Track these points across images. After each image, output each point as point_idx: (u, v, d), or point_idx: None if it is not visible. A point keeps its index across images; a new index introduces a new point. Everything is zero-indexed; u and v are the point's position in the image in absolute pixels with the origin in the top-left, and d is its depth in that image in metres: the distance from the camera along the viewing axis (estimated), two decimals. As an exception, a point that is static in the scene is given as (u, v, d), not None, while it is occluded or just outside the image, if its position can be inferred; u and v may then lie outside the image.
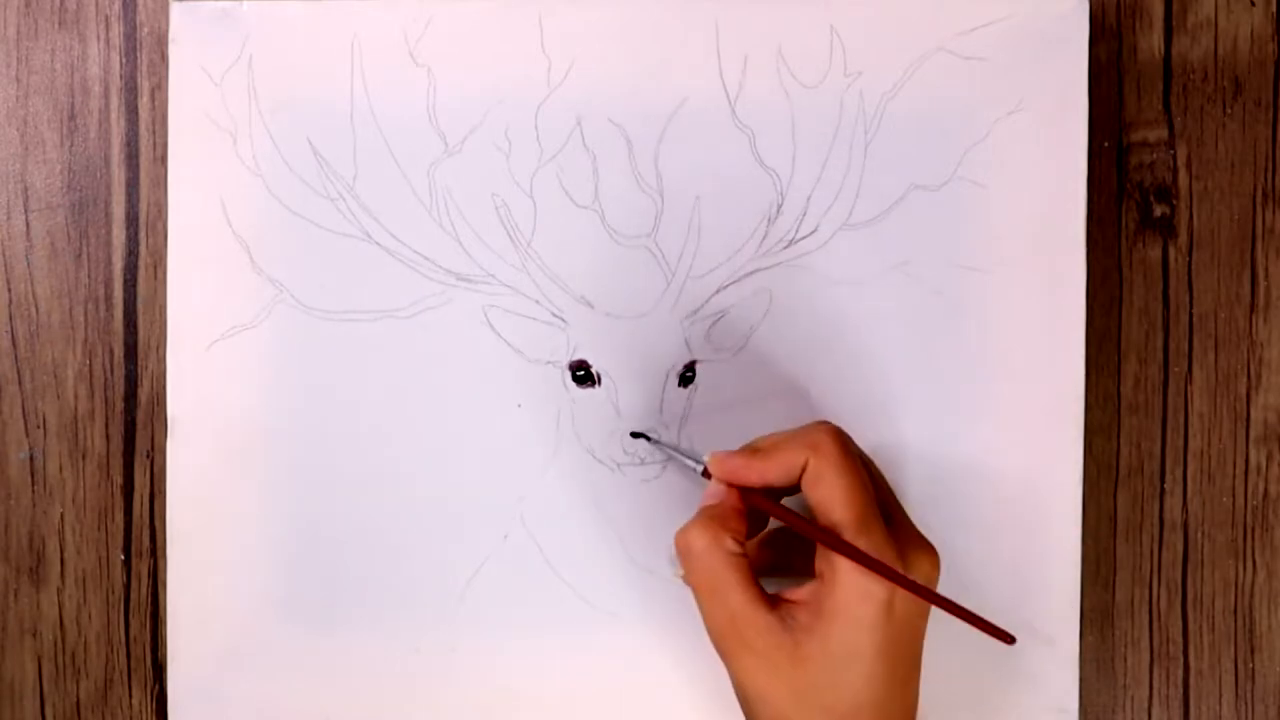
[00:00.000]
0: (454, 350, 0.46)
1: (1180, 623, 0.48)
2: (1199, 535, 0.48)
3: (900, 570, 0.37)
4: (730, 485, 0.40)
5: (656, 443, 0.45)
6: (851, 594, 0.37)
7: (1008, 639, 0.37)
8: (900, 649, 0.38)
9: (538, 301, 0.46)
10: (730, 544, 0.39)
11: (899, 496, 0.45)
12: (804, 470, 0.39)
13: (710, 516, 0.39)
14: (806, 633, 0.38)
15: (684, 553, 0.39)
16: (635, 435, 0.45)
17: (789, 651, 0.38)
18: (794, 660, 0.38)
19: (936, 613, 0.39)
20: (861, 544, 0.37)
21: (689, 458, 0.43)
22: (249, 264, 0.46)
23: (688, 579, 0.40)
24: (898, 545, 0.38)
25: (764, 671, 0.38)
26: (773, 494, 0.41)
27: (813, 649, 0.37)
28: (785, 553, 0.43)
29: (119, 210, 0.48)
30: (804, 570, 0.40)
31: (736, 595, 0.38)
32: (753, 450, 0.40)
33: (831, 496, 0.38)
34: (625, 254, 0.46)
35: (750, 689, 0.39)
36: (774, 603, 0.39)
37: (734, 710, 0.40)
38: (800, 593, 0.39)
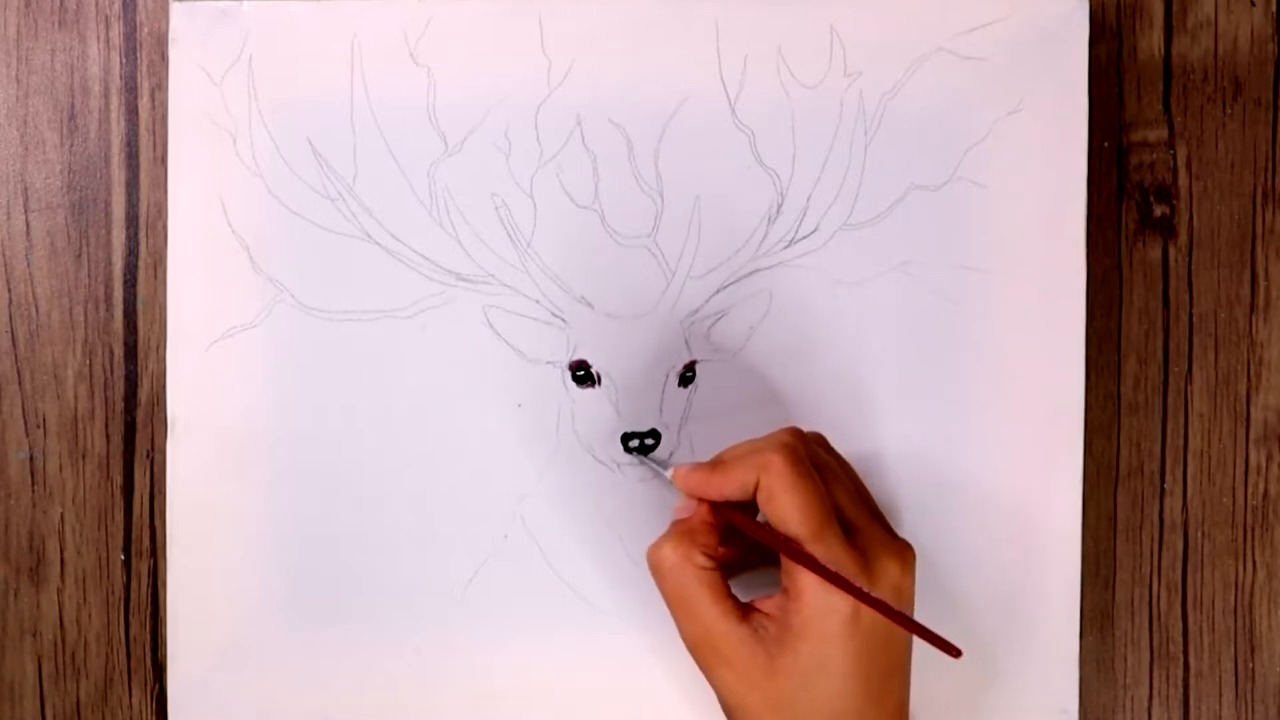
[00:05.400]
0: (454, 350, 0.46)
1: (1180, 623, 0.48)
2: (1199, 535, 0.48)
3: (865, 579, 0.37)
4: (698, 499, 0.40)
5: (632, 451, 0.45)
6: (815, 609, 0.37)
7: (954, 652, 0.37)
8: (873, 658, 0.37)
9: (538, 301, 0.46)
10: (700, 559, 0.38)
11: (898, 497, 0.45)
12: (757, 488, 0.38)
13: (680, 531, 0.39)
14: (778, 645, 0.38)
15: (655, 568, 0.39)
16: (628, 438, 0.45)
17: (763, 664, 0.38)
18: (768, 673, 0.38)
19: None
20: (818, 558, 0.37)
21: (663, 468, 0.43)
22: (249, 264, 0.46)
23: (660, 593, 0.39)
24: (863, 552, 0.38)
25: (740, 684, 0.38)
26: (745, 504, 0.40)
27: (785, 662, 0.37)
28: (762, 553, 0.43)
29: (119, 210, 0.48)
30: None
31: (708, 610, 0.38)
32: (713, 465, 0.40)
33: (784, 514, 0.37)
34: (625, 254, 0.46)
35: (729, 700, 0.39)
36: (746, 612, 0.39)
37: (734, 710, 0.40)
38: (769, 604, 0.39)
